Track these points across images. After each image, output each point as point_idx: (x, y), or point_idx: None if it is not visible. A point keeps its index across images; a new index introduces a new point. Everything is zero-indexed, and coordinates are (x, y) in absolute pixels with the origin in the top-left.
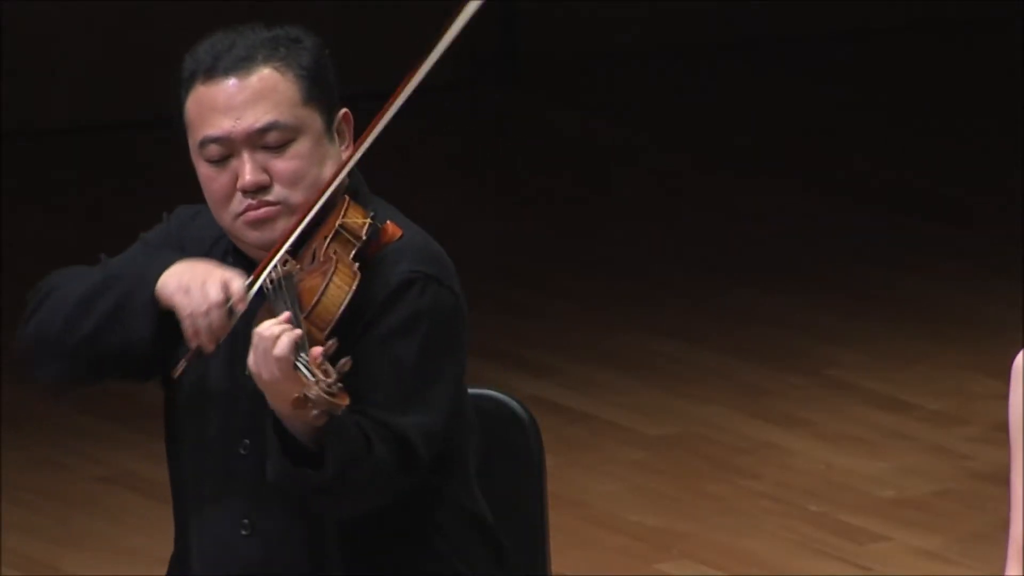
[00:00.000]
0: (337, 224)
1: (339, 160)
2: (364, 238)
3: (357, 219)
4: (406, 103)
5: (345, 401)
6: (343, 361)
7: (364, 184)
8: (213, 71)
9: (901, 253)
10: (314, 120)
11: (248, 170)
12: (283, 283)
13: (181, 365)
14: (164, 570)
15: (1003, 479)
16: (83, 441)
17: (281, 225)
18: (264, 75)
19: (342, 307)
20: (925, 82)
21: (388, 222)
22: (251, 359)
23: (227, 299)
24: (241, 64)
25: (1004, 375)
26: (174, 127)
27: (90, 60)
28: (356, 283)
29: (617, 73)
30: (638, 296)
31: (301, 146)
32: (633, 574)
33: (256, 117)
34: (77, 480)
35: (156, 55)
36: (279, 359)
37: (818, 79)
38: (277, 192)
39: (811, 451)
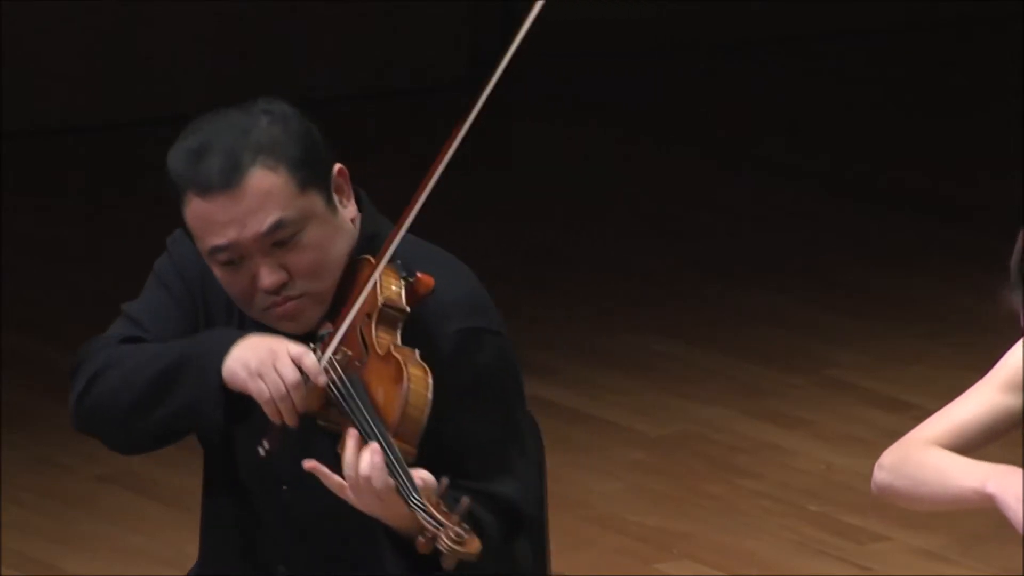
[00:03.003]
0: (380, 304)
1: (348, 223)
2: (407, 309)
3: (392, 286)
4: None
5: (476, 546)
6: (465, 502)
7: (370, 203)
8: (205, 189)
9: (901, 253)
10: (315, 203)
11: (265, 273)
12: (349, 386)
13: (267, 445)
14: (164, 570)
15: None
16: (83, 441)
17: (311, 313)
18: (256, 178)
19: (427, 414)
20: (925, 82)
21: (417, 274)
22: (353, 498)
23: (304, 377)
24: (230, 175)
25: None
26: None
27: (90, 60)
28: (431, 380)
29: (617, 73)
30: (638, 296)
31: (310, 234)
32: (633, 574)
33: (259, 221)
34: (77, 480)
35: (156, 55)
36: (382, 491)
37: (819, 79)
38: (299, 286)
39: (811, 451)
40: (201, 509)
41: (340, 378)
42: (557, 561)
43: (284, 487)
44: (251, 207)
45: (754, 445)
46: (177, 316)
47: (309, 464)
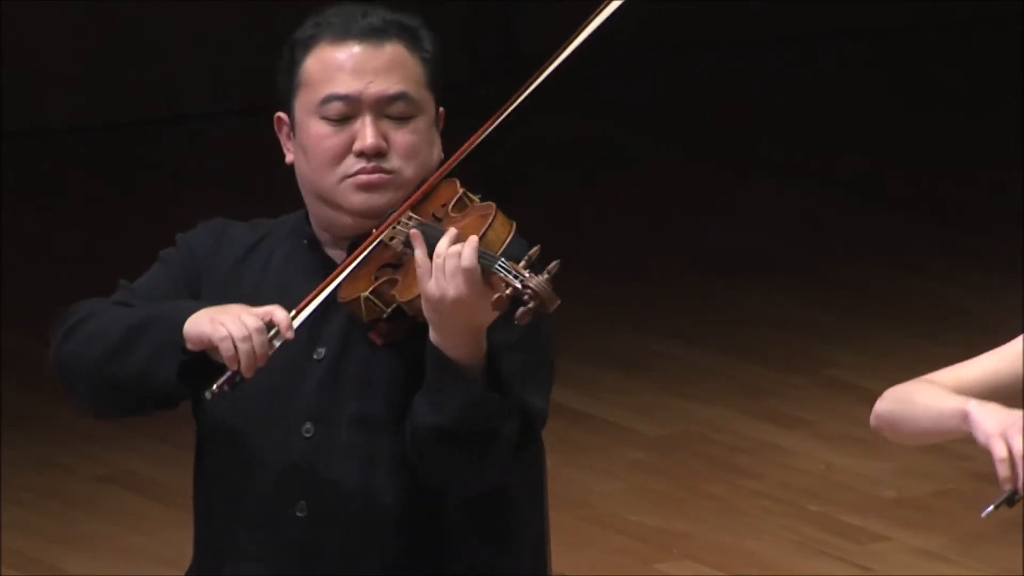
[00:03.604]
0: (461, 191)
1: (438, 151)
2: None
3: (471, 193)
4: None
5: (557, 302)
6: (553, 263)
7: None
8: (345, 34)
9: (901, 253)
10: (430, 105)
11: (371, 133)
12: (428, 226)
13: (215, 389)
14: (164, 570)
15: None
16: (83, 441)
17: (390, 195)
18: (396, 49)
19: (507, 242)
20: (926, 82)
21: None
22: (431, 284)
23: (268, 326)
24: (374, 33)
25: None
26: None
27: (90, 60)
28: (513, 229)
29: (617, 73)
30: (638, 296)
31: (420, 124)
32: (633, 574)
33: (388, 84)
34: (77, 480)
35: (156, 55)
36: (467, 269)
37: (819, 79)
38: (393, 162)
39: (811, 451)
40: (195, 484)
41: (419, 224)
42: (557, 561)
43: (307, 423)
44: (384, 68)
45: (754, 445)
46: (170, 289)
47: (414, 232)
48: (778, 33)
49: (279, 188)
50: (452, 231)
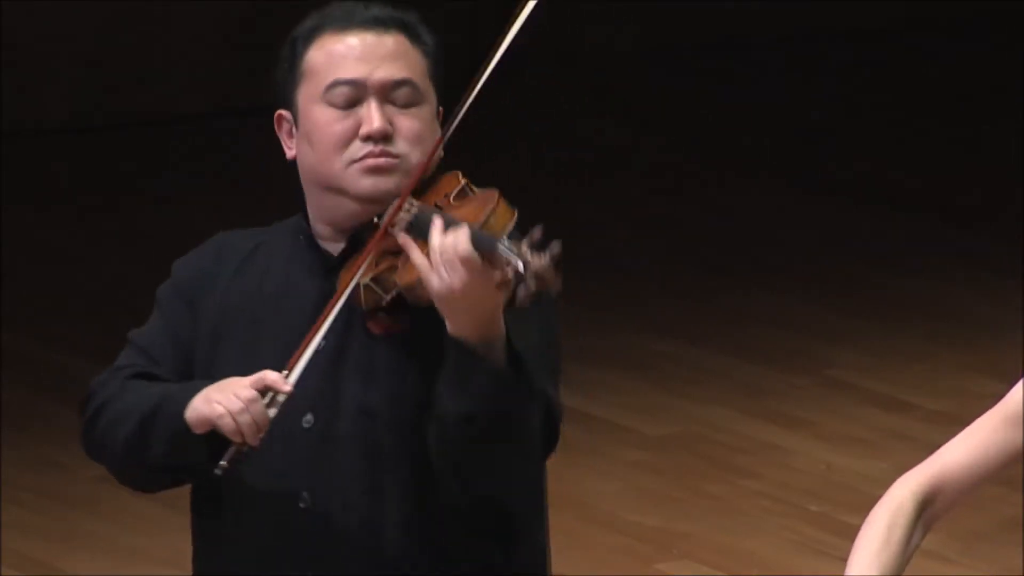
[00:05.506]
0: (463, 182)
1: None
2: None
3: (475, 186)
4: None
5: (560, 285)
6: (555, 247)
7: None
8: (348, 24)
9: (901, 253)
10: (432, 97)
11: (377, 117)
12: (429, 212)
13: (224, 464)
14: (164, 570)
15: (1003, 479)
16: None
17: (396, 179)
18: (398, 39)
19: (507, 229)
20: (925, 82)
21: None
22: (435, 280)
23: (263, 391)
24: (377, 23)
25: (1003, 375)
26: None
27: (90, 60)
28: (515, 217)
29: (617, 73)
30: (638, 296)
31: (424, 111)
32: (633, 574)
33: (393, 70)
34: (77, 480)
35: (156, 55)
36: (465, 258)
37: (818, 79)
38: (399, 146)
39: (811, 451)
40: (196, 534)
41: (419, 213)
42: (557, 561)
43: (307, 414)
44: (388, 55)
45: (754, 445)
46: (170, 343)
47: (403, 239)
48: (778, 33)
49: (279, 189)
50: (439, 223)
